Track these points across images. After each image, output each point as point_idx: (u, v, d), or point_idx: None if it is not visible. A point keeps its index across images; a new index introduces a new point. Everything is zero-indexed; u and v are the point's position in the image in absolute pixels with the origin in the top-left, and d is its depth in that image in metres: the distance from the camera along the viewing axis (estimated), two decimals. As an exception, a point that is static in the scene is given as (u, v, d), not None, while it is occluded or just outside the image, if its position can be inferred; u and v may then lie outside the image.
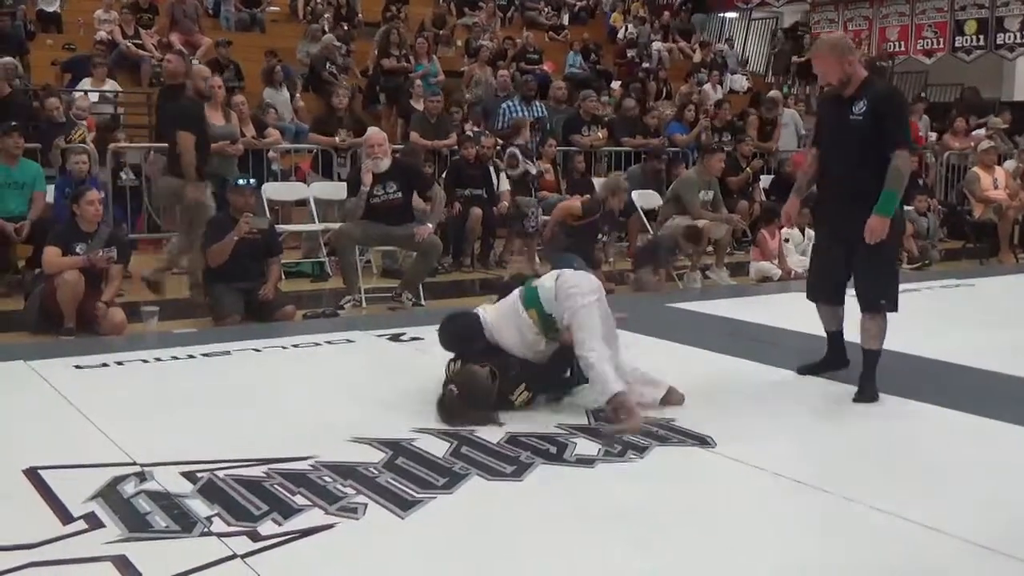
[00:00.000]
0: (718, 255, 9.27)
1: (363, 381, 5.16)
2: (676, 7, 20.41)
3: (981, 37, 17.41)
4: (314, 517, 3.30)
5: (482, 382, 4.43)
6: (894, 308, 4.90)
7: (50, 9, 14.06)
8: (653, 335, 6.33)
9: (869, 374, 4.90)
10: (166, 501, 3.40)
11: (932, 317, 7.26)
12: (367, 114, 12.27)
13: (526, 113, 11.45)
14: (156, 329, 6.54)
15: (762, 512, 3.49)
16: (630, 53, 17.46)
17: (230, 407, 4.68)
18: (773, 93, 14.18)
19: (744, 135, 12.10)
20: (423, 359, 5.31)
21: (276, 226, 7.90)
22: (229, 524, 3.22)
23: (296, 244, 9.46)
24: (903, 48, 18.43)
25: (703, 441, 4.19)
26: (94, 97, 11.42)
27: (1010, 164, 12.48)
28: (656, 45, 17.73)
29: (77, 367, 5.36)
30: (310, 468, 3.74)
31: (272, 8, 15.83)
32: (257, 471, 3.70)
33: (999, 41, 17.21)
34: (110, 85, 11.93)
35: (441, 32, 15.67)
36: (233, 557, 2.98)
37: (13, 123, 7.78)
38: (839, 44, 4.98)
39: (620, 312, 5.06)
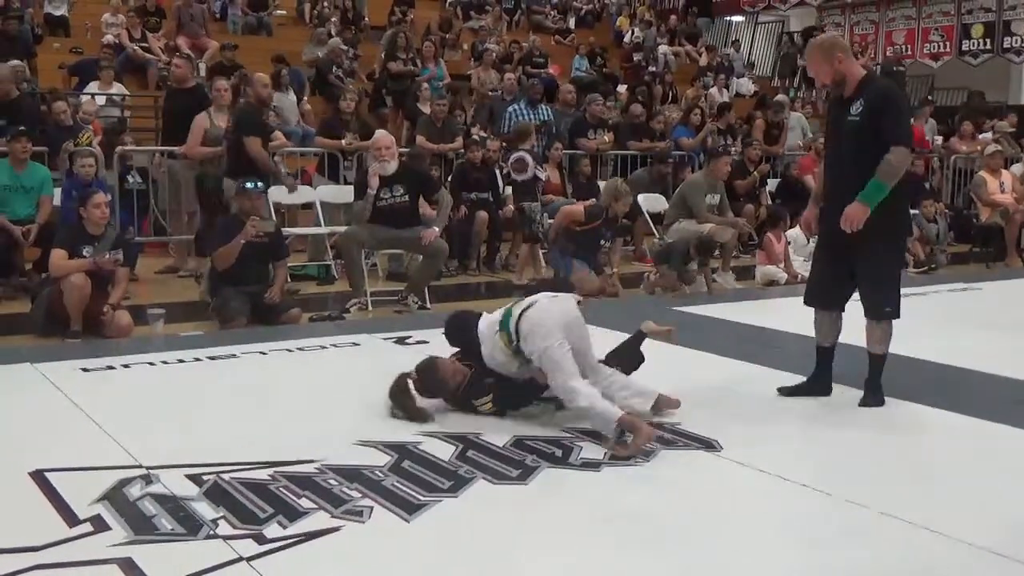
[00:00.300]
0: (724, 259, 9.26)
1: (369, 384, 5.14)
2: (682, 11, 20.40)
3: (988, 41, 17.40)
4: (320, 520, 3.29)
5: (433, 376, 4.52)
6: (895, 315, 4.82)
7: (57, 13, 14.12)
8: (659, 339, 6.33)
9: (875, 379, 4.86)
10: (172, 504, 3.40)
11: (939, 321, 7.24)
12: (373, 117, 12.28)
13: (532, 117, 11.45)
14: (162, 332, 6.55)
15: (768, 516, 3.49)
16: (636, 57, 17.47)
17: (236, 410, 4.69)
18: (780, 97, 14.20)
19: (750, 139, 12.09)
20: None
21: (282, 229, 7.90)
22: (235, 527, 3.22)
23: (302, 247, 9.47)
24: (909, 52, 18.42)
25: (709, 445, 4.18)
26: (101, 100, 11.45)
27: (1017, 168, 12.44)
28: (662, 49, 17.73)
29: (83, 370, 5.37)
30: (316, 471, 3.74)
31: (279, 12, 15.86)
32: (263, 474, 3.70)
33: (1006, 45, 17.19)
34: (117, 88, 11.97)
35: (447, 36, 15.69)
36: (239, 560, 2.98)
37: (21, 128, 7.80)
38: (828, 44, 4.88)
39: (666, 325, 5.06)
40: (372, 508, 3.41)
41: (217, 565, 2.94)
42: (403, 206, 7.47)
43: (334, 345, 6.12)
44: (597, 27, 19.46)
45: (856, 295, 4.90)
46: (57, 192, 8.12)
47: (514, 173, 10.02)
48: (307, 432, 4.26)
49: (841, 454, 4.21)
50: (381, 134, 7.76)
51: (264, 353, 5.89)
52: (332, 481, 3.65)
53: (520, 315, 4.33)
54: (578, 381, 4.21)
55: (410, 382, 4.54)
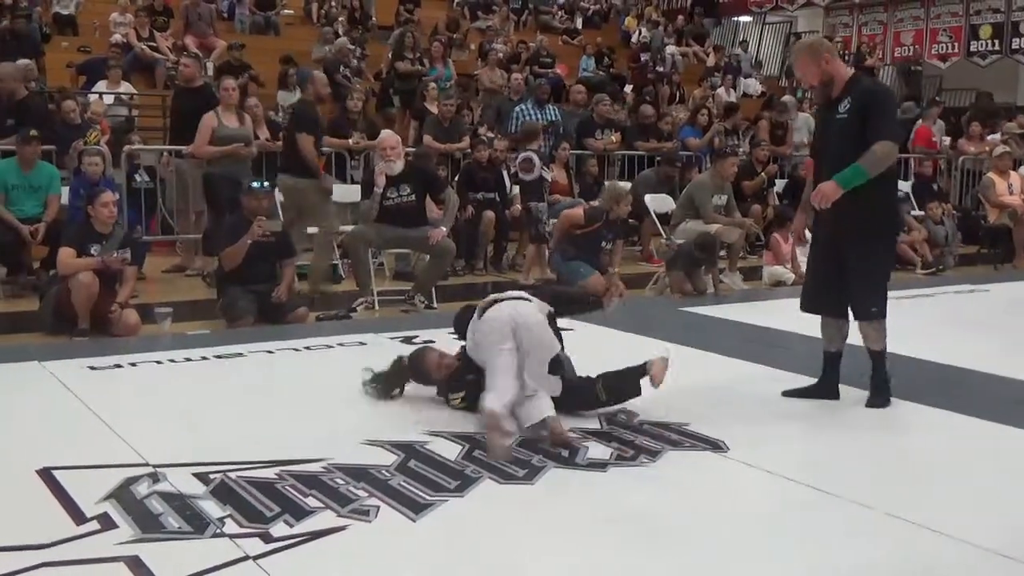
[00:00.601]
0: (731, 259, 9.25)
1: (376, 384, 5.15)
2: (689, 11, 20.37)
3: (996, 42, 17.36)
4: (326, 519, 3.30)
5: (419, 366, 4.72)
6: (883, 315, 4.77)
7: (66, 12, 14.16)
8: (667, 339, 6.31)
9: (879, 377, 4.83)
10: (179, 502, 3.41)
11: (945, 323, 7.23)
12: (380, 117, 12.29)
13: (539, 116, 11.45)
14: (170, 330, 6.56)
15: (775, 517, 3.48)
16: (643, 57, 17.46)
17: (243, 409, 4.69)
18: (786, 98, 14.16)
19: (757, 139, 12.07)
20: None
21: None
22: (241, 525, 3.22)
23: (309, 246, 9.47)
24: (917, 52, 18.38)
25: (716, 445, 4.18)
26: (109, 99, 11.47)
27: (1026, 169, 12.42)
28: (670, 49, 17.71)
29: (91, 368, 5.38)
30: (322, 470, 3.75)
31: (286, 11, 15.89)
32: (269, 473, 3.71)
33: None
34: (125, 87, 12.00)
35: (455, 36, 15.69)
36: (245, 558, 2.99)
37: (32, 132, 7.79)
38: (815, 45, 4.87)
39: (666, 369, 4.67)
40: (378, 507, 3.41)
41: (224, 563, 2.95)
42: (410, 206, 7.48)
43: (341, 344, 6.12)
44: (604, 27, 19.46)
45: None
46: (65, 191, 8.14)
47: (521, 173, 10.03)
48: (314, 431, 4.26)
49: (847, 455, 4.20)
50: (387, 134, 7.77)
51: (271, 352, 5.90)
52: (339, 480, 3.65)
53: (480, 316, 4.42)
54: (498, 395, 4.11)
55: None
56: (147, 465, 3.77)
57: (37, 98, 9.80)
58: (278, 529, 3.20)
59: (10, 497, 3.49)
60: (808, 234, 5.14)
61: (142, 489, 3.53)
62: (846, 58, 16.79)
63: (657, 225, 10.03)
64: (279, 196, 8.32)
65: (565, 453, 4.03)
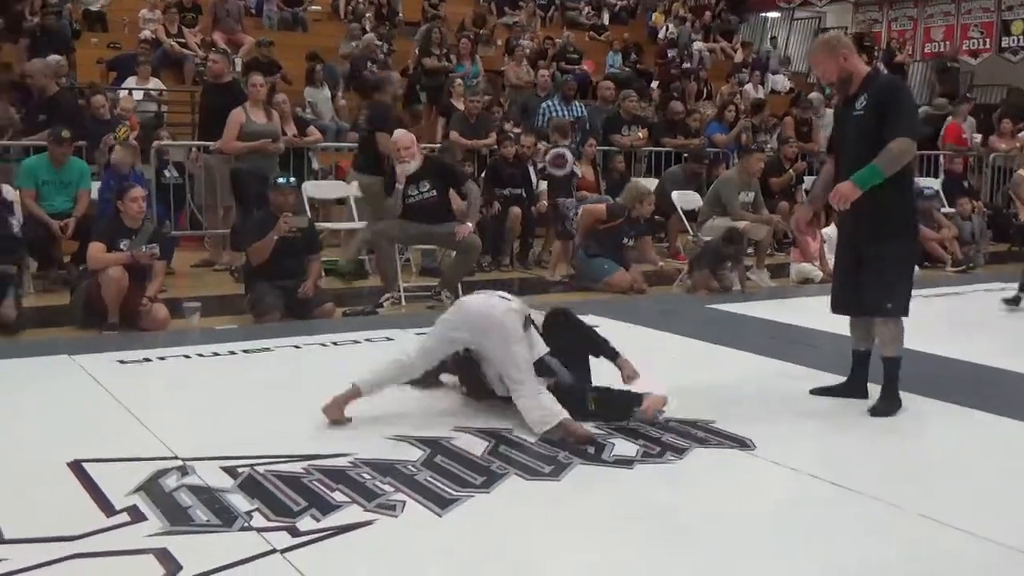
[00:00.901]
0: (759, 256, 9.21)
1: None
2: (716, 7, 20.25)
3: (1028, 38, 17.17)
4: (353, 514, 3.31)
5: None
6: (901, 312, 4.65)
7: (96, 8, 14.25)
8: (694, 336, 6.31)
9: (889, 385, 4.69)
10: (207, 495, 3.43)
11: (975, 320, 7.17)
12: (407, 113, 12.31)
13: (566, 113, 11.43)
14: (198, 325, 6.60)
15: (801, 515, 3.46)
16: (671, 53, 17.38)
17: (270, 403, 4.72)
18: (814, 94, 14.06)
19: (784, 136, 11.99)
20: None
21: (316, 224, 7.94)
22: (269, 519, 3.24)
23: (336, 242, 9.51)
24: (952, 49, 18.20)
25: (743, 443, 4.16)
26: (138, 95, 11.55)
27: (1057, 166, 12.27)
28: (697, 45, 17.64)
29: (120, 362, 5.43)
30: (349, 465, 3.76)
31: (314, 7, 15.94)
32: (297, 467, 3.72)
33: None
34: (154, 83, 12.08)
35: (481, 32, 15.69)
36: (272, 552, 3.00)
37: (65, 133, 7.84)
38: (831, 41, 4.84)
39: (661, 395, 4.52)
40: (405, 502, 3.42)
41: (251, 556, 2.96)
42: (432, 201, 7.47)
43: (368, 340, 6.14)
44: (631, 23, 19.38)
45: None
46: (95, 186, 8.21)
47: (553, 168, 10.00)
48: (340, 426, 4.28)
49: (875, 454, 4.17)
50: (400, 134, 7.69)
51: (298, 347, 5.93)
52: (365, 475, 3.66)
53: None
54: (407, 368, 4.44)
55: None
56: (176, 458, 3.80)
57: (67, 94, 9.88)
58: (305, 523, 3.21)
59: (41, 489, 3.52)
60: (809, 227, 5.10)
61: (171, 482, 3.56)
62: (876, 54, 16.65)
63: (684, 222, 10.00)
64: (353, 192, 8.42)
65: (591, 450, 4.03)
